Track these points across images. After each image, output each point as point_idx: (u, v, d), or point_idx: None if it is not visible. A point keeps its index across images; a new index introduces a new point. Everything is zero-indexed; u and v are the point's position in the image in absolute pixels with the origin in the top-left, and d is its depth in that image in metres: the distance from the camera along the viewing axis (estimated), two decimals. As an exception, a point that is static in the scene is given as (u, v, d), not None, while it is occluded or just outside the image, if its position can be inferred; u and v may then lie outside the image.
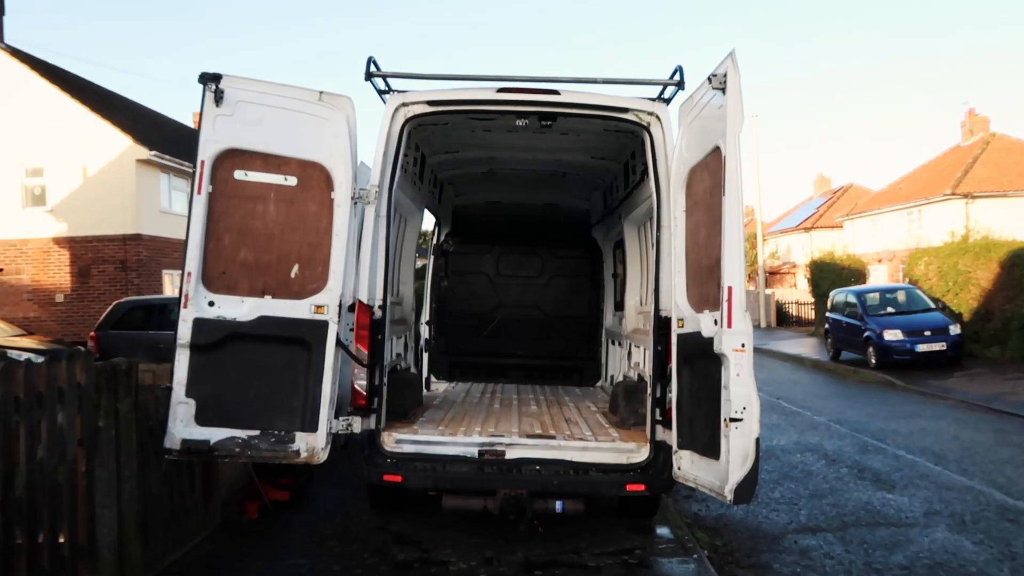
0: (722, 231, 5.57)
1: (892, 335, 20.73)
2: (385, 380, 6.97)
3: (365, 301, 6.76)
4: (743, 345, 5.45)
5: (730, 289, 5.48)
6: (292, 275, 6.49)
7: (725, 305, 5.49)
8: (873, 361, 21.28)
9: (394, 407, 7.53)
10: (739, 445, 5.39)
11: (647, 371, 7.83)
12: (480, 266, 11.99)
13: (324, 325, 6.35)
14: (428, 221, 11.60)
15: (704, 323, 5.93)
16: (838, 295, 24.83)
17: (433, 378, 11.69)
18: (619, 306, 11.37)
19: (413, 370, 9.64)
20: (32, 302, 24.73)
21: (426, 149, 9.15)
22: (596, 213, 11.84)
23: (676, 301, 6.46)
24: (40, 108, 24.18)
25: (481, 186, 11.52)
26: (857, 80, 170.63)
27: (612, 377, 10.93)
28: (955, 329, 20.74)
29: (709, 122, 6.04)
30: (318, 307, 6.40)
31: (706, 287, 6.05)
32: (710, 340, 5.70)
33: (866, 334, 21.68)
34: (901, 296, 23.26)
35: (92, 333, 17.03)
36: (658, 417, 6.74)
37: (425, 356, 11.55)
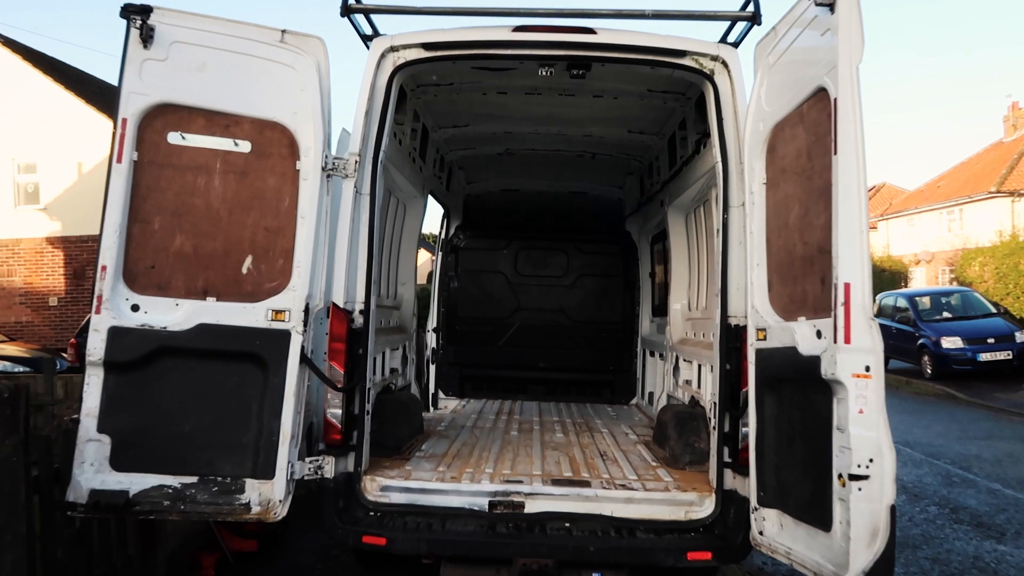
0: (833, 204, 3.92)
1: (951, 343, 18.88)
2: (369, 407, 5.37)
3: (341, 304, 5.18)
4: (868, 369, 3.78)
5: (847, 288, 3.82)
6: (244, 270, 4.94)
7: (840, 310, 3.82)
8: (929, 371, 19.45)
9: (383, 439, 5.93)
10: (864, 514, 3.72)
11: (705, 394, 6.18)
12: (495, 264, 10.37)
13: (285, 336, 4.79)
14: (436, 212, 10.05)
15: (801, 335, 4.27)
16: (886, 299, 22.94)
17: (441, 394, 10.10)
18: (659, 311, 9.71)
19: (414, 388, 8.04)
20: (24, 305, 23.48)
21: (428, 120, 7.56)
22: (631, 202, 10.18)
23: (754, 305, 4.81)
24: (33, 101, 22.93)
25: (496, 171, 9.92)
26: (889, 76, 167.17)
27: (651, 395, 9.27)
28: (1021, 336, 18.82)
29: (806, 58, 4.41)
30: (277, 312, 4.83)
31: (801, 285, 4.40)
32: (813, 360, 4.04)
33: (920, 341, 19.86)
34: (956, 300, 21.35)
35: (72, 340, 15.63)
36: (727, 458, 5.10)
37: (432, 369, 9.98)
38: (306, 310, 4.85)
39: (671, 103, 6.80)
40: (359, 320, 5.26)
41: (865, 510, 3.71)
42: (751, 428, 4.76)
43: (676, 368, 7.57)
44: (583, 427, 7.90)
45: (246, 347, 4.80)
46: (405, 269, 8.02)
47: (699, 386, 6.59)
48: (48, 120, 22.89)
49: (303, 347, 4.84)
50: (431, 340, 10.07)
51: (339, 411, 5.14)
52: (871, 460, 3.71)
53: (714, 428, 5.29)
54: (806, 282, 4.34)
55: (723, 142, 5.27)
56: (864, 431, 3.74)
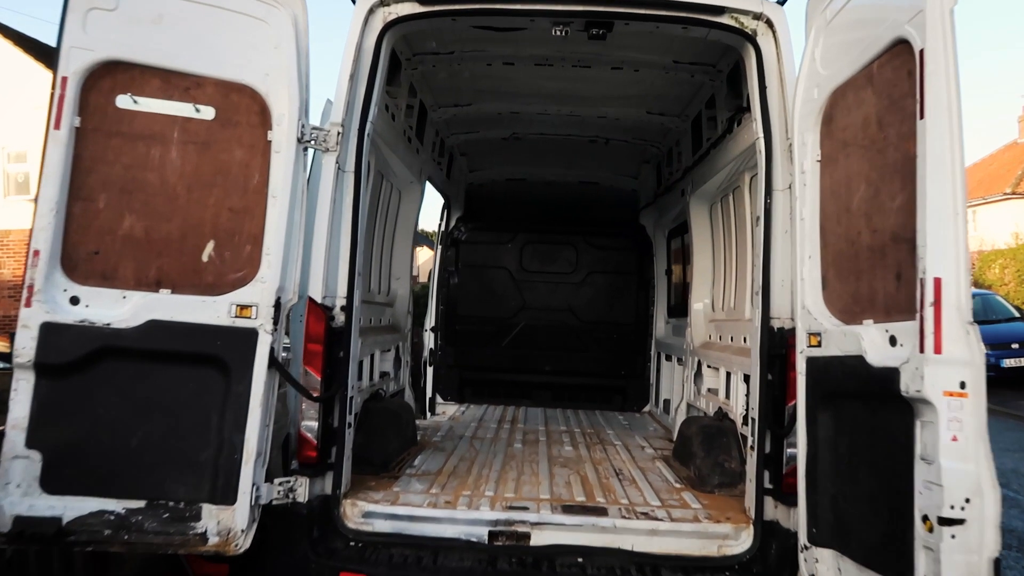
0: (918, 181, 3.17)
1: (973, 348, 17.98)
2: (351, 419, 4.64)
3: (319, 299, 4.45)
4: (964, 386, 3.03)
5: (937, 284, 3.07)
6: (204, 258, 4.22)
7: (928, 312, 3.07)
8: (949, 377, 18.52)
9: (370, 454, 5.21)
10: (959, 568, 2.97)
11: (735, 405, 5.44)
12: (499, 259, 9.64)
13: (251, 335, 4.08)
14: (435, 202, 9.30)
15: (869, 342, 3.52)
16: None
17: (439, 399, 9.36)
18: (676, 311, 8.96)
19: (408, 393, 7.30)
20: (13, 299, 22.74)
21: (426, 97, 6.82)
22: (646, 193, 9.43)
23: (805, 305, 4.06)
24: (23, 87, 22.20)
25: (501, 158, 9.18)
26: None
27: (666, 403, 8.53)
28: (1047, 341, 18.03)
29: (876, 7, 3.67)
30: (242, 308, 4.11)
31: (868, 281, 3.65)
32: (887, 373, 3.29)
33: (940, 346, 18.93)
34: (977, 303, 20.49)
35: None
36: (768, 484, 4.34)
37: (430, 371, 9.23)
38: (277, 305, 4.12)
39: (699, 77, 6.05)
40: (340, 318, 4.52)
41: (960, 562, 2.96)
42: (800, 450, 4.01)
43: (698, 375, 6.82)
44: (594, 439, 7.16)
45: (205, 348, 4.08)
46: (400, 262, 7.28)
47: (728, 396, 5.85)
48: (39, 107, 22.14)
49: (273, 348, 4.12)
50: (429, 340, 9.33)
51: (315, 424, 4.41)
52: (967, 500, 2.96)
53: (751, 448, 4.55)
54: (874, 277, 3.59)
55: (766, 115, 4.53)
56: (959, 464, 2.99)
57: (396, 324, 7.13)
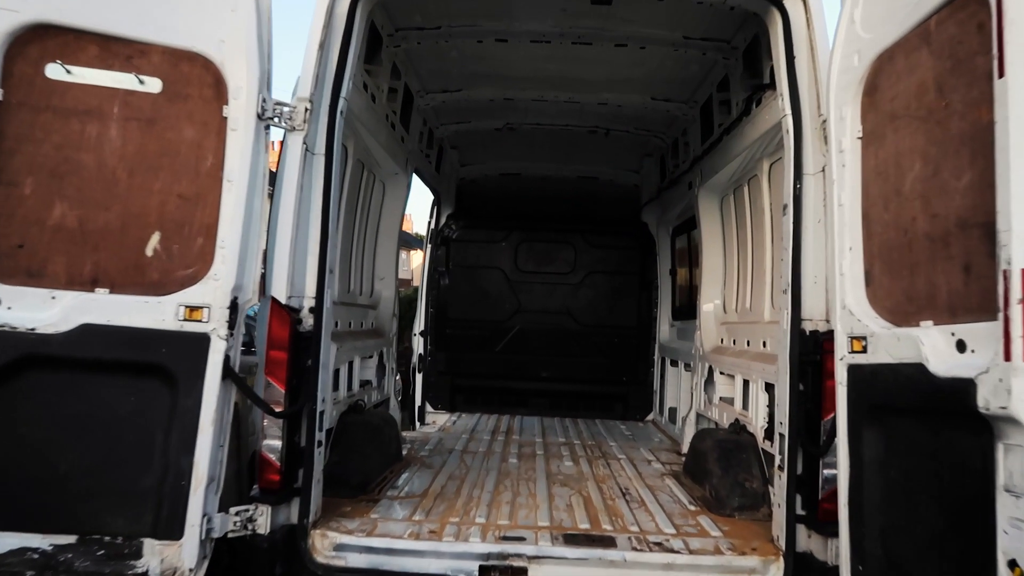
0: (1000, 152, 2.61)
1: None
2: (322, 436, 4.06)
3: (284, 300, 3.87)
4: (1059, 401, 2.46)
5: (1025, 275, 2.51)
6: (149, 252, 3.66)
7: (1017, 310, 2.50)
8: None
9: (346, 474, 4.64)
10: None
11: (754, 418, 4.89)
12: (492, 259, 9.07)
13: (202, 341, 3.52)
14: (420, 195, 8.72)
15: (930, 347, 2.96)
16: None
17: (429, 407, 8.78)
18: (680, 313, 8.41)
19: (393, 403, 6.71)
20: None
21: (412, 80, 6.26)
22: (648, 188, 8.87)
23: (846, 304, 3.50)
24: None
25: (494, 150, 8.62)
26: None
27: (672, 411, 7.96)
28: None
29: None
30: (192, 309, 3.55)
31: (926, 275, 3.09)
32: (956, 384, 2.74)
33: None
34: None
35: None
36: (800, 510, 3.79)
37: (419, 378, 8.66)
38: (233, 306, 3.57)
39: (712, 55, 5.50)
40: (308, 321, 3.95)
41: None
42: (841, 472, 3.45)
43: (709, 382, 6.27)
44: (595, 451, 6.59)
45: (148, 356, 3.52)
46: (384, 260, 6.70)
47: (745, 407, 5.28)
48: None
49: (228, 356, 3.55)
50: (418, 345, 8.76)
51: (278, 443, 3.83)
52: (1067, 544, 2.40)
53: (779, 467, 3.99)
54: (934, 271, 3.03)
55: (795, 89, 3.99)
56: (1055, 498, 2.43)
57: (380, 328, 6.55)
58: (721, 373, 5.93)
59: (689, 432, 6.61)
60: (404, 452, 6.17)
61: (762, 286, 5.40)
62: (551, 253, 9.07)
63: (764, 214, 5.37)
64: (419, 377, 8.69)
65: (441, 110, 7.18)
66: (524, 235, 9.04)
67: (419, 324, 8.77)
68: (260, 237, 3.76)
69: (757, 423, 4.89)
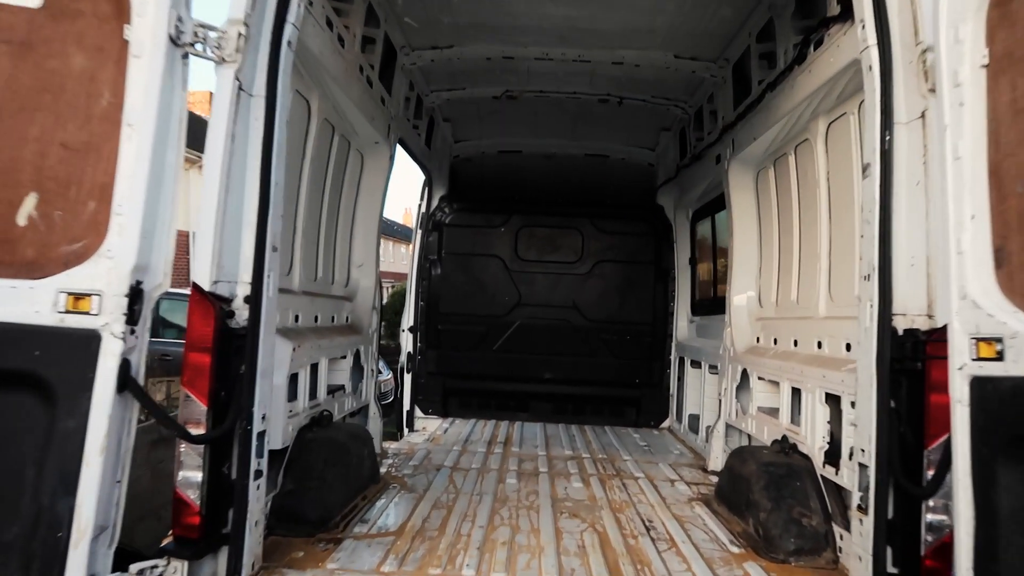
0: None
1: None
2: (260, 465, 3.11)
3: (207, 286, 2.92)
4: None
5: None
6: (21, 220, 2.71)
7: None
8: None
9: (301, 509, 3.71)
10: None
11: (811, 436, 3.97)
12: (490, 246, 8.11)
13: (90, 342, 2.60)
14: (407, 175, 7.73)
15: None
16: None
17: (419, 412, 7.85)
18: (701, 308, 7.48)
19: (373, 410, 5.77)
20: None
21: (393, 32, 5.32)
22: (666, 167, 7.91)
23: (968, 293, 2.57)
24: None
25: (492, 124, 7.66)
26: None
27: (693, 418, 7.03)
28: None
29: None
30: (78, 297, 2.64)
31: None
32: None
33: None
34: None
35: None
36: (891, 567, 2.85)
37: (407, 380, 7.73)
38: (134, 294, 2.63)
39: None
40: (242, 314, 3.00)
41: None
42: (961, 524, 2.51)
43: (743, 388, 5.33)
44: (608, 468, 5.65)
45: (13, 362, 2.58)
46: (363, 245, 5.75)
47: (794, 420, 4.35)
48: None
49: (127, 361, 2.61)
50: (406, 343, 7.83)
51: (199, 476, 2.88)
52: None
53: (860, 507, 3.05)
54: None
55: (881, 9, 3.03)
56: None
57: (357, 323, 5.60)
58: (760, 379, 4.98)
59: (717, 446, 5.68)
60: (383, 469, 5.25)
61: (814, 274, 4.45)
62: (556, 240, 8.11)
63: (818, 186, 4.42)
64: (407, 378, 7.77)
65: (430, 72, 6.23)
66: (525, 220, 8.08)
67: (408, 319, 7.83)
68: (175, 202, 2.82)
69: (814, 443, 3.95)
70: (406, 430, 7.68)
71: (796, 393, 4.36)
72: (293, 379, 4.06)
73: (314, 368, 4.42)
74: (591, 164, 8.18)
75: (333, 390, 4.90)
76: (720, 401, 5.77)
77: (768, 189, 5.36)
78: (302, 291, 4.44)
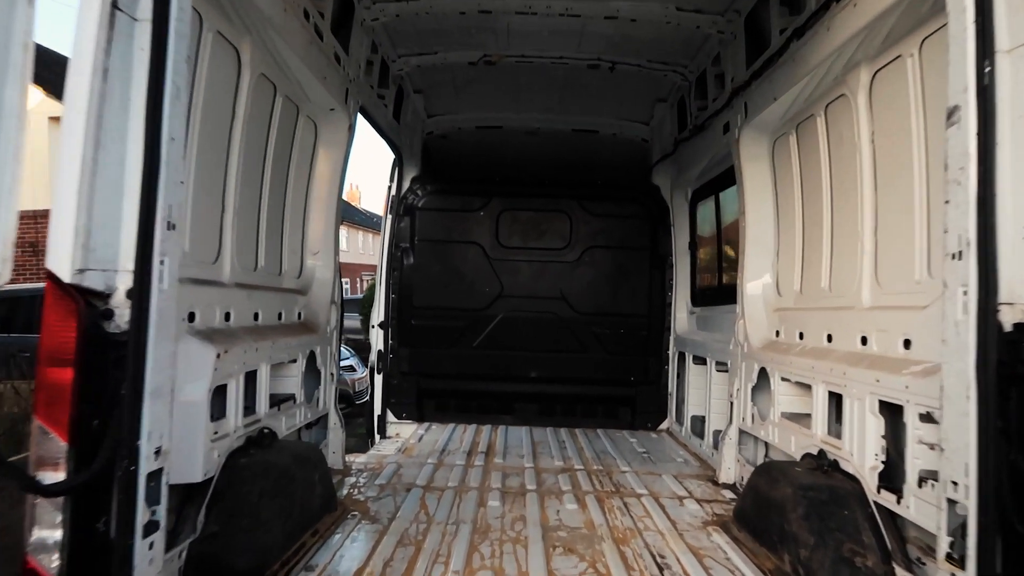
0: None
1: None
2: (155, 514, 2.32)
3: (68, 275, 2.11)
4: None
5: None
6: None
7: None
8: None
9: (228, 557, 2.92)
10: None
11: (852, 449, 3.23)
12: (468, 231, 7.33)
13: None
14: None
15: None
16: None
17: (391, 416, 7.08)
18: (704, 297, 6.77)
19: (334, 421, 4.99)
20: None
21: None
22: (662, 143, 7.17)
23: None
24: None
25: (469, 96, 6.88)
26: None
27: (696, 421, 6.32)
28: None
29: None
30: None
31: None
32: None
33: None
34: None
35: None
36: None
37: (378, 381, 6.96)
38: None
39: None
40: (123, 313, 2.21)
41: None
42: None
43: (761, 389, 4.62)
44: (606, 482, 4.92)
45: None
46: (319, 229, 4.95)
47: (832, 430, 3.63)
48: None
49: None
50: (376, 340, 7.05)
51: (58, 536, 2.10)
52: None
53: (950, 558, 2.32)
54: None
55: None
56: None
57: (311, 320, 4.80)
58: (783, 380, 4.25)
59: (729, 455, 4.96)
60: (344, 491, 4.48)
61: (853, 256, 3.72)
62: (541, 225, 7.34)
63: (858, 150, 3.68)
64: (378, 379, 6.99)
65: (396, 31, 5.43)
66: (507, 202, 7.30)
67: (377, 314, 7.05)
68: (18, 160, 2.02)
69: (862, 461, 3.23)
70: (377, 437, 6.93)
71: (834, 399, 3.64)
72: (220, 392, 3.28)
73: (251, 377, 3.64)
74: (579, 140, 7.41)
75: (280, 401, 4.12)
76: (731, 404, 5.05)
77: (788, 158, 4.62)
78: (235, 283, 3.65)
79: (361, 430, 7.32)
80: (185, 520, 2.99)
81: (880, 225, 3.52)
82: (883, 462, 3.13)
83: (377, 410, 6.98)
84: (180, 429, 2.70)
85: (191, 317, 3.13)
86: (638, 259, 7.25)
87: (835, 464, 3.48)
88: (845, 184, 3.86)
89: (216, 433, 3.17)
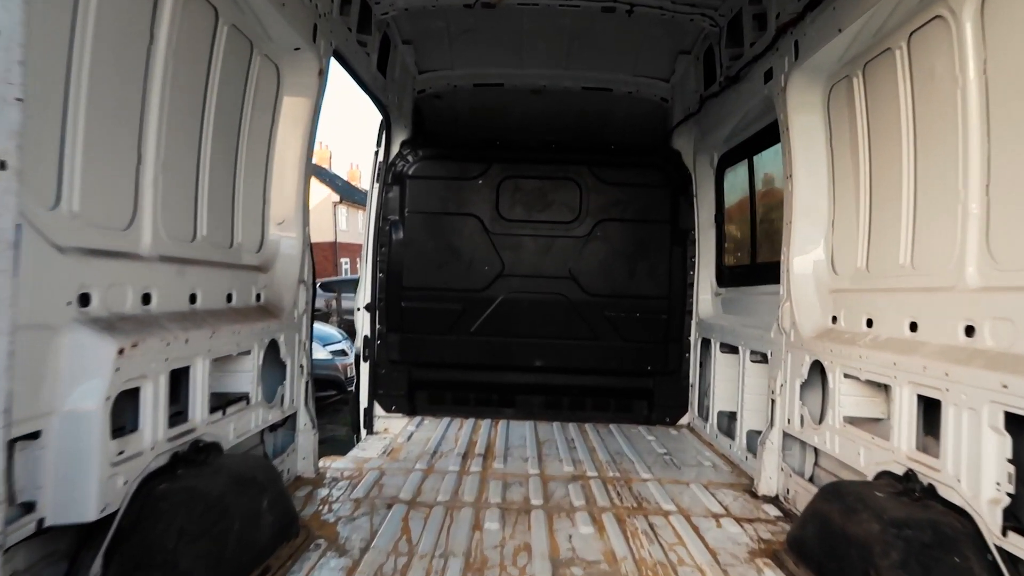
0: None
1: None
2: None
3: None
4: None
5: None
6: None
7: None
8: None
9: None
10: None
11: (964, 477, 2.45)
12: (465, 202, 6.51)
13: None
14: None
15: None
16: None
17: (379, 410, 6.33)
18: (733, 276, 5.99)
19: (304, 423, 4.23)
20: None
21: None
22: (684, 101, 6.33)
23: None
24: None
25: (465, 48, 6.06)
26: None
27: (724, 418, 5.54)
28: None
29: None
30: None
31: None
32: None
33: None
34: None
35: None
36: None
37: (364, 370, 6.20)
38: None
39: None
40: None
41: None
42: None
43: (812, 386, 3.85)
44: (625, 494, 4.16)
45: None
46: (284, 194, 4.15)
47: (920, 444, 2.85)
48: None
49: None
50: (362, 324, 6.28)
51: None
52: None
53: None
54: None
55: None
56: None
57: (273, 303, 4.01)
58: (848, 376, 3.46)
59: (770, 463, 4.20)
60: (312, 508, 3.72)
61: (952, 221, 2.91)
62: (547, 195, 6.52)
63: (961, 86, 2.85)
64: (364, 368, 6.23)
65: None
66: (509, 169, 6.47)
67: (363, 295, 6.27)
68: None
69: (979, 490, 2.45)
70: (363, 432, 6.18)
71: (928, 405, 2.85)
72: (130, 398, 2.50)
73: (179, 376, 2.85)
74: (590, 99, 6.58)
75: (228, 402, 3.33)
76: (772, 401, 4.27)
77: (849, 107, 3.80)
78: (159, 256, 2.85)
79: (345, 421, 6.59)
80: (79, 572, 2.23)
81: (993, 181, 2.71)
82: (1009, 494, 2.35)
83: (363, 403, 6.23)
84: (63, 450, 1.94)
85: (83, 300, 2.34)
86: (656, 233, 6.43)
87: (930, 490, 2.70)
88: (937, 132, 3.04)
89: (121, 453, 2.39)
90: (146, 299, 2.72)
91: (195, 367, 2.95)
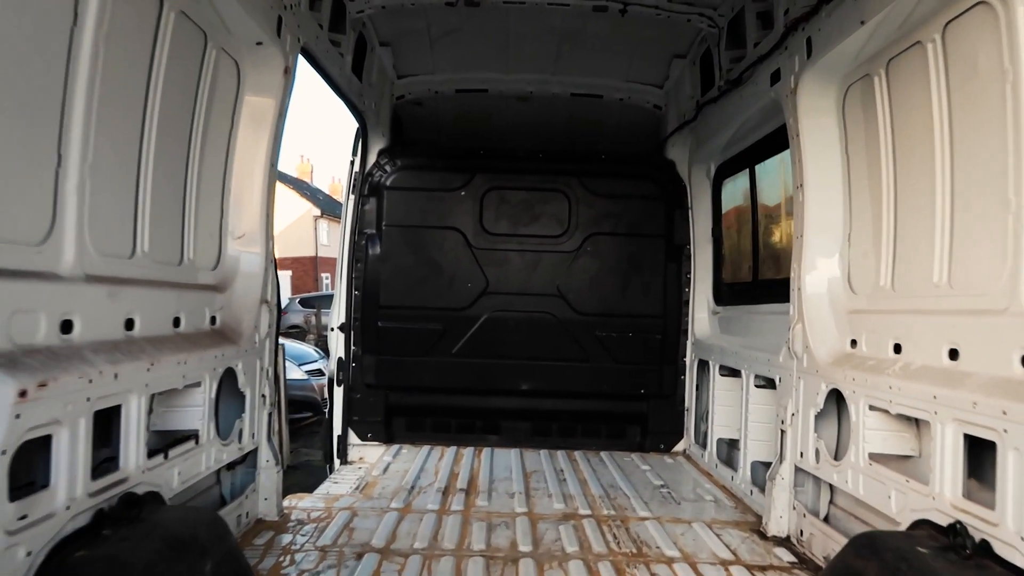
0: None
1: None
2: None
3: None
4: None
5: None
6: None
7: None
8: None
9: None
10: None
11: (1013, 522, 2.00)
12: (446, 216, 6.12)
13: None
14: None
15: None
16: None
17: (354, 438, 5.90)
18: (732, 295, 5.63)
19: (267, 460, 3.79)
20: None
21: None
22: (679, 109, 6.00)
23: None
24: None
25: (447, 52, 5.71)
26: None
27: (723, 445, 5.17)
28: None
29: None
30: None
31: None
32: None
33: None
34: None
35: None
36: None
37: (338, 395, 5.78)
38: None
39: None
40: None
41: None
42: None
43: (828, 417, 3.49)
44: (622, 537, 3.76)
45: None
46: (244, 205, 3.73)
47: (965, 490, 2.48)
48: None
49: None
50: (336, 346, 5.86)
51: None
52: None
53: None
54: None
55: None
56: None
57: (230, 327, 3.58)
58: (874, 408, 3.09)
59: (781, 500, 3.83)
60: (272, 559, 3.28)
61: (998, 235, 2.56)
62: (534, 207, 6.14)
63: (1010, 80, 2.50)
64: (338, 393, 5.80)
65: None
66: (493, 180, 6.09)
67: (337, 314, 5.86)
68: None
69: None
70: (337, 463, 5.75)
71: (977, 445, 2.48)
72: (40, 448, 2.07)
73: (108, 416, 2.42)
74: (580, 107, 6.24)
75: (175, 442, 2.90)
76: (782, 432, 3.89)
77: (868, 109, 3.46)
78: (85, 276, 2.43)
79: (318, 447, 6.16)
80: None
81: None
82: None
83: (337, 430, 5.81)
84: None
85: (-23, 330, 1.92)
86: (650, 248, 6.07)
87: (984, 547, 2.32)
88: (981, 133, 2.69)
89: (24, 518, 1.96)
90: (66, 327, 2.30)
91: (128, 405, 2.52)
